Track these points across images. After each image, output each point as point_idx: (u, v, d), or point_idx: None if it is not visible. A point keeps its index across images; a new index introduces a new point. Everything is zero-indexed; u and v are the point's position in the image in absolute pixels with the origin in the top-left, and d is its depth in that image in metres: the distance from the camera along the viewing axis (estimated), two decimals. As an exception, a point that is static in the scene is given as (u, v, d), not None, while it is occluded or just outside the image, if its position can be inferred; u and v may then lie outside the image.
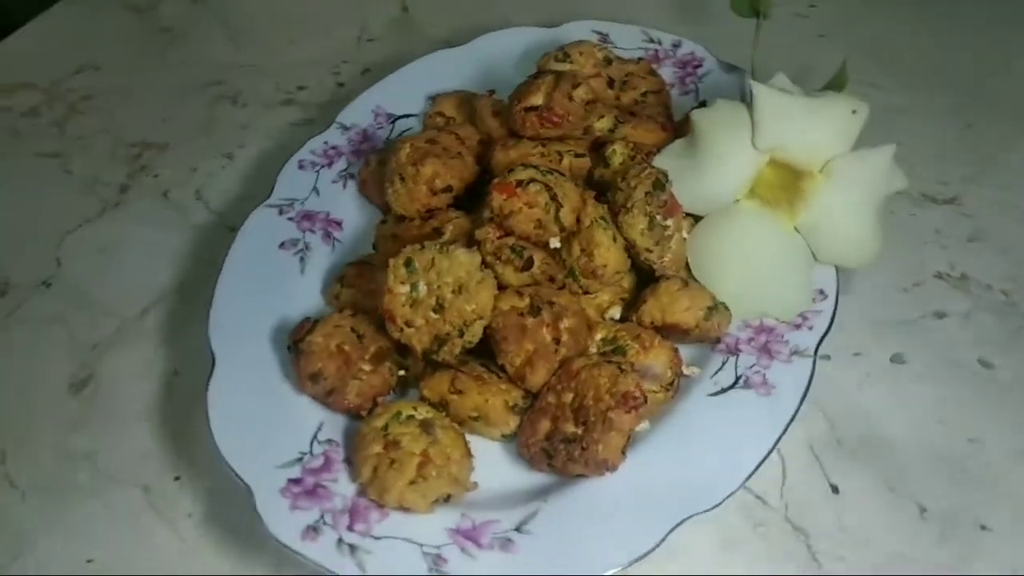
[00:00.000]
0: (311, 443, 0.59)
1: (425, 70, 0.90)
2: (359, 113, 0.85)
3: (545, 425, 0.59)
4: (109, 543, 0.60)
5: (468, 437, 0.61)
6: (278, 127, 0.93)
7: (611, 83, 0.83)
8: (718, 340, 0.66)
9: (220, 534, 0.60)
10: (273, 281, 0.69)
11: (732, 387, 0.63)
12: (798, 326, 0.66)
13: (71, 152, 0.90)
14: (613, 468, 0.56)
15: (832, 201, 0.67)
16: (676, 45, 0.93)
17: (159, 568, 0.58)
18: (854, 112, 0.67)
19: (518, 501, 0.57)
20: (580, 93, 0.71)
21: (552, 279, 0.64)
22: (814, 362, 0.63)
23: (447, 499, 0.56)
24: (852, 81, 0.75)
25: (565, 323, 0.62)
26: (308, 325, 0.62)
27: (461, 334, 0.59)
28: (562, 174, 0.65)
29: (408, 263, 0.60)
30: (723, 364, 0.64)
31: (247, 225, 0.72)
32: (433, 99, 0.84)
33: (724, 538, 0.60)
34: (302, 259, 0.72)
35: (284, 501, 0.55)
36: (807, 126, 0.66)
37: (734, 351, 0.65)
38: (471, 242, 0.62)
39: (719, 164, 0.68)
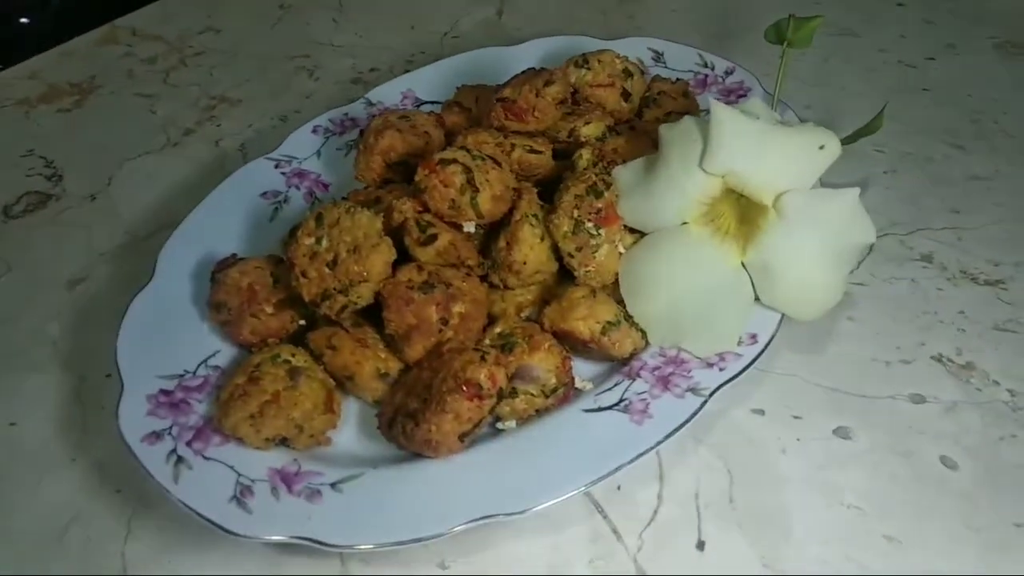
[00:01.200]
0: (198, 365, 0.63)
1: (468, 64, 0.93)
2: (388, 93, 0.89)
3: (399, 397, 0.59)
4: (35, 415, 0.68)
5: (352, 400, 0.63)
6: (336, 101, 0.99)
7: (626, 95, 0.81)
8: (624, 361, 0.63)
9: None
10: (240, 222, 0.75)
11: (608, 408, 0.59)
12: (711, 365, 0.61)
13: (163, 96, 1.03)
14: (438, 451, 0.55)
15: (781, 240, 0.61)
16: (728, 72, 0.89)
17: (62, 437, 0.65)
18: (821, 147, 0.60)
19: (358, 464, 0.58)
20: (551, 91, 0.70)
21: (462, 264, 0.64)
22: (702, 404, 0.58)
23: (283, 441, 0.58)
24: (936, 139, 0.68)
25: (457, 307, 0.61)
26: (232, 260, 0.67)
27: (345, 292, 0.61)
28: (498, 164, 0.65)
29: (319, 218, 0.63)
30: (614, 385, 0.61)
31: (240, 170, 0.79)
32: (458, 89, 0.87)
33: (557, 560, 0.56)
34: (276, 209, 0.77)
35: (146, 406, 0.59)
36: (763, 154, 0.61)
37: (633, 375, 0.61)
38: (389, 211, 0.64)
39: (669, 181, 0.64)
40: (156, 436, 0.58)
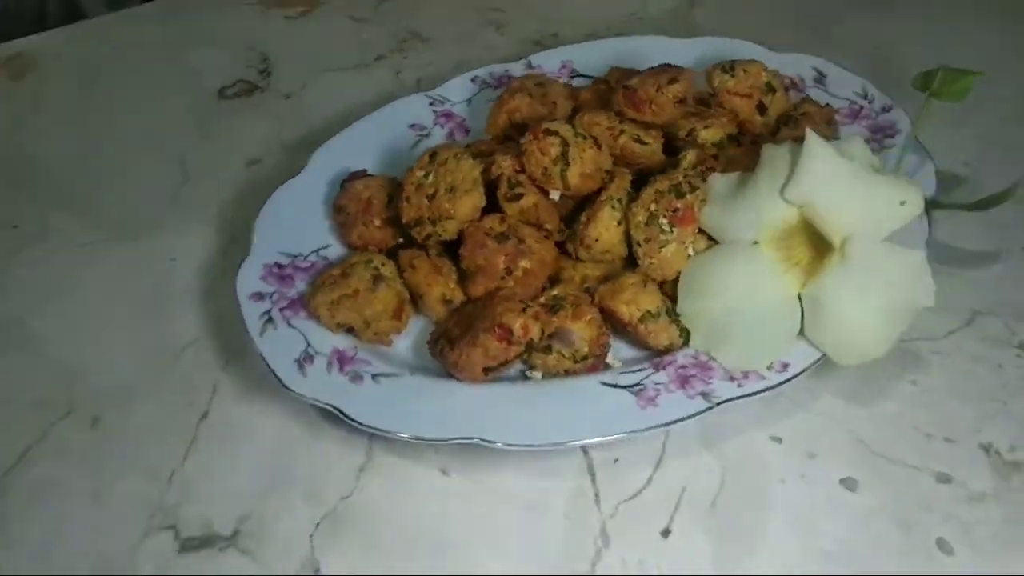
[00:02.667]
0: (311, 252, 0.76)
1: (629, 47, 0.96)
2: (549, 60, 0.96)
3: (450, 323, 0.68)
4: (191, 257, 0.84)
5: (421, 317, 0.73)
6: (511, 58, 1.07)
7: (762, 109, 0.83)
8: (659, 352, 0.67)
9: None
10: (384, 144, 0.86)
11: (623, 387, 0.64)
12: (733, 379, 0.64)
13: (371, 22, 1.16)
14: (463, 375, 0.64)
15: (838, 281, 0.62)
16: (885, 109, 0.87)
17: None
18: (903, 203, 0.60)
19: (401, 366, 0.68)
20: (672, 89, 0.74)
21: (541, 226, 0.71)
22: (707, 408, 0.62)
23: (351, 330, 0.69)
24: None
25: (524, 262, 0.69)
26: (361, 174, 0.78)
27: (434, 223, 0.70)
28: (598, 145, 0.71)
29: (432, 156, 0.72)
30: (639, 370, 0.66)
31: (400, 100, 0.90)
32: (610, 69, 0.92)
33: (538, 501, 0.63)
34: (418, 141, 0.87)
35: (261, 271, 0.73)
36: (843, 195, 0.62)
37: (660, 367, 0.66)
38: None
39: (753, 199, 0.67)
40: (260, 296, 0.71)
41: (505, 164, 0.70)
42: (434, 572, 0.60)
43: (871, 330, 0.62)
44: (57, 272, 0.84)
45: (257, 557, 0.61)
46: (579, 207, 0.73)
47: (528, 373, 0.67)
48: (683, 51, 0.96)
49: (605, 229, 0.70)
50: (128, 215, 0.89)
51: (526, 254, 0.69)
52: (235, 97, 1.05)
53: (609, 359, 0.68)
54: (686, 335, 0.68)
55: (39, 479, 0.67)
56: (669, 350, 0.67)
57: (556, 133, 0.69)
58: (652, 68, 0.79)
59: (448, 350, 0.64)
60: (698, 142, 0.78)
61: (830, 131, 0.83)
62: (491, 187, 0.71)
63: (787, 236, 0.66)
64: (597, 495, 0.64)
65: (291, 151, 0.96)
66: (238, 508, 0.64)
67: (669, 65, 0.78)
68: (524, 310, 0.64)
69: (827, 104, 0.86)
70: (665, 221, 0.68)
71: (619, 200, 0.71)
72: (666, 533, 0.61)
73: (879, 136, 0.85)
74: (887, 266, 0.61)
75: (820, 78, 0.92)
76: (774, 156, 0.66)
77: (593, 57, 0.97)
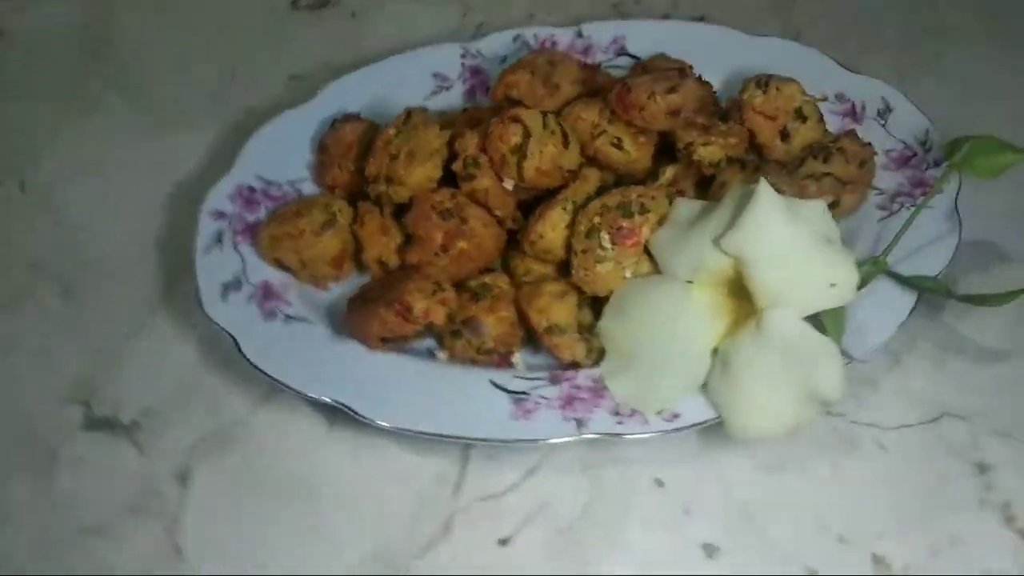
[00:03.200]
0: (286, 183, 0.78)
1: (693, 35, 0.89)
2: (601, 32, 0.90)
3: (374, 284, 0.69)
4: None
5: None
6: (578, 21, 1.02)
7: (784, 135, 0.75)
8: (565, 366, 0.65)
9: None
10: (398, 88, 0.85)
11: (507, 391, 0.63)
12: (618, 414, 0.62)
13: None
14: (358, 338, 0.65)
15: (749, 348, 0.58)
16: (938, 163, 0.77)
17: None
18: (833, 286, 0.54)
19: (318, 314, 0.70)
20: (668, 100, 0.69)
21: (492, 211, 0.69)
22: (570, 438, 0.60)
23: (288, 268, 0.72)
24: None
25: (461, 243, 0.68)
26: (353, 117, 0.79)
27: (388, 185, 0.70)
28: (566, 143, 0.67)
29: (407, 117, 0.72)
30: (534, 378, 0.64)
31: (430, 47, 0.89)
32: (655, 56, 0.86)
33: (396, 475, 0.64)
34: (435, 92, 0.86)
35: (234, 189, 0.76)
36: (778, 258, 0.56)
37: (556, 381, 0.64)
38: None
39: (698, 236, 0.62)
40: (221, 215, 0.75)
41: (470, 142, 0.69)
42: (283, 513, 0.63)
43: (770, 409, 0.57)
44: (91, 151, 0.91)
45: (143, 451, 0.67)
46: (540, 199, 0.71)
47: (436, 352, 0.68)
48: (746, 49, 0.88)
49: (551, 229, 0.67)
50: (173, 108, 0.95)
51: (465, 235, 0.68)
52: (307, 9, 1.07)
53: (515, 359, 0.67)
54: (598, 354, 0.66)
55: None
56: (576, 366, 0.65)
57: (520, 121, 0.67)
58: (665, 66, 0.73)
59: (354, 310, 0.66)
60: (693, 158, 0.73)
61: (857, 174, 0.75)
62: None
63: (721, 285, 0.61)
64: (459, 485, 0.64)
65: (334, 73, 0.98)
66: (146, 401, 0.70)
67: (680, 70, 0.72)
68: (434, 293, 0.64)
69: (868, 143, 0.77)
70: (607, 237, 0.65)
71: (574, 203, 0.68)
72: (504, 542, 0.62)
73: (917, 192, 0.76)
74: (800, 348, 0.55)
75: (885, 111, 0.82)
76: (735, 197, 0.61)
77: (651, 38, 0.90)
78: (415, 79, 0.87)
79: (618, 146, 0.70)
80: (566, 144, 0.68)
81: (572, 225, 0.67)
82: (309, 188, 0.79)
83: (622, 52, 0.90)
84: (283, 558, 0.61)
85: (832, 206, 0.74)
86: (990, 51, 0.98)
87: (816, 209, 0.58)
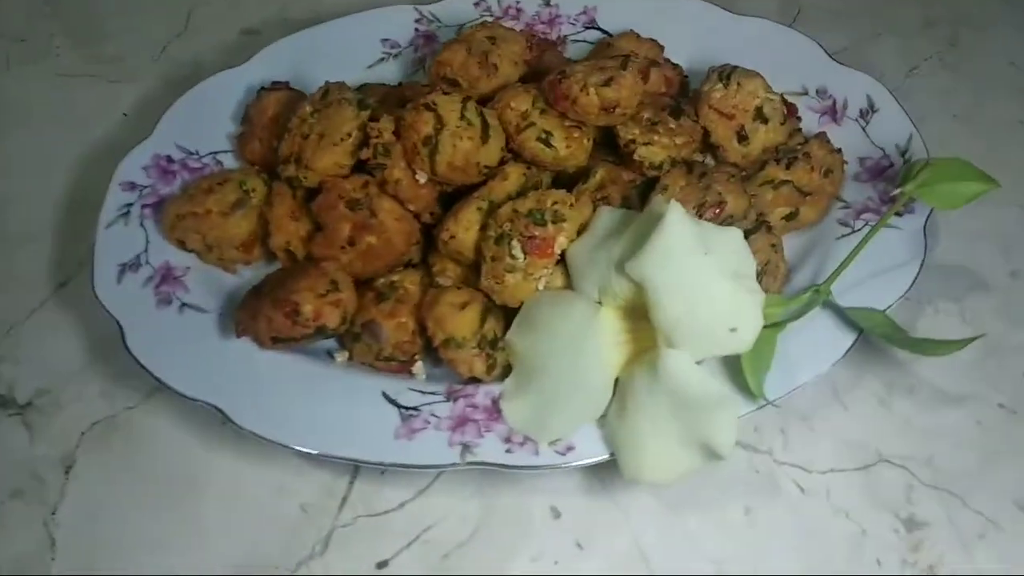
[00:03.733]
0: (208, 154, 0.74)
1: (678, 12, 0.82)
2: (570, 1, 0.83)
3: (274, 275, 0.65)
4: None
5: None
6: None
7: (741, 137, 0.68)
8: (465, 380, 0.61)
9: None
10: (345, 53, 0.79)
11: (398, 405, 0.59)
12: (509, 440, 0.57)
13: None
14: (249, 337, 0.61)
15: (643, 385, 0.52)
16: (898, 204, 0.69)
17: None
18: (733, 330, 0.48)
19: (219, 301, 0.66)
20: (604, 93, 0.62)
21: (405, 205, 0.64)
22: (452, 464, 0.56)
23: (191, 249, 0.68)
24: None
25: (370, 238, 0.63)
26: (281, 86, 0.74)
27: (297, 166, 0.65)
28: (485, 137, 0.61)
29: (325, 94, 0.66)
30: (430, 392, 0.60)
31: (386, 8, 0.82)
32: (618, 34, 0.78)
33: (282, 486, 0.61)
34: (381, 60, 0.80)
35: (150, 158, 0.72)
36: (679, 292, 0.50)
37: (454, 396, 0.60)
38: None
39: (607, 253, 0.56)
40: (132, 187, 0.71)
41: (384, 127, 0.63)
42: (161, 512, 0.61)
43: (660, 452, 0.52)
44: (27, 98, 0.87)
45: (34, 435, 0.65)
46: (462, 192, 0.65)
47: (335, 353, 0.64)
48: (727, 30, 0.80)
49: (464, 229, 0.62)
50: (119, 56, 0.91)
51: (374, 229, 0.63)
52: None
53: (415, 368, 0.62)
54: (503, 370, 0.61)
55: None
56: (473, 380, 0.61)
57: (435, 109, 0.61)
58: (608, 50, 0.66)
59: (246, 306, 0.62)
60: (633, 158, 0.66)
61: (819, 185, 0.68)
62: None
63: (629, 310, 0.55)
64: (344, 500, 0.61)
65: (290, 28, 0.92)
66: (42, 380, 0.67)
67: (627, 57, 0.64)
68: (327, 293, 0.60)
69: (838, 150, 0.69)
70: (517, 246, 0.59)
71: (491, 202, 0.62)
72: (383, 565, 0.58)
73: (884, 210, 0.68)
74: (693, 394, 0.50)
75: (868, 111, 0.74)
76: (651, 215, 0.54)
77: (624, 10, 0.83)
78: (362, 44, 0.81)
79: (545, 142, 0.63)
80: (485, 138, 0.62)
81: (484, 229, 0.62)
82: (232, 162, 0.74)
83: (591, 24, 0.83)
84: (153, 559, 0.59)
85: (788, 217, 0.68)
86: (1010, 42, 0.88)
87: (731, 240, 0.52)
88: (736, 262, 0.51)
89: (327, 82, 0.68)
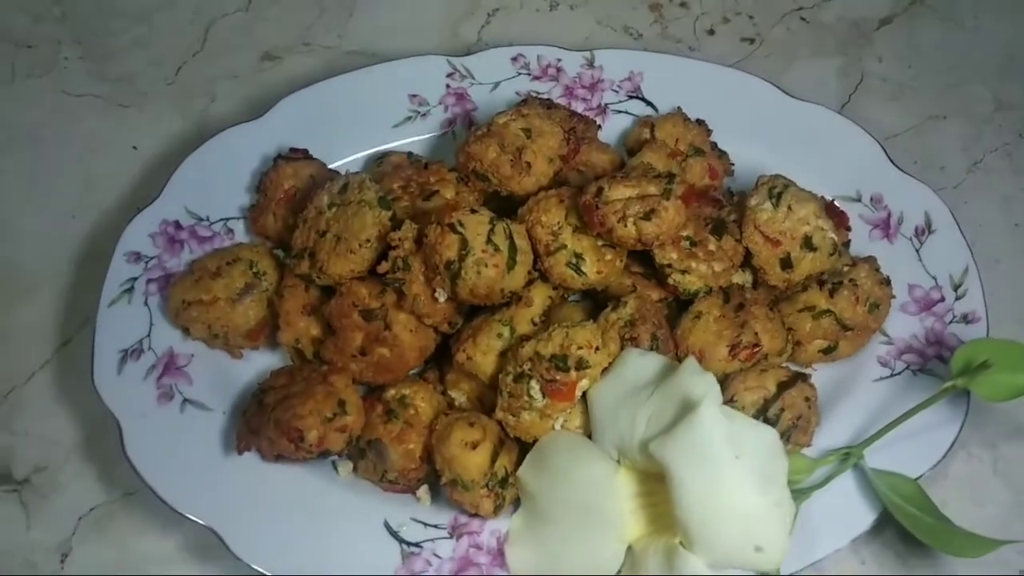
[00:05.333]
0: (218, 220, 0.70)
1: (724, 80, 0.76)
2: (615, 63, 0.76)
3: (280, 379, 0.62)
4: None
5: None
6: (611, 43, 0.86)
7: (786, 263, 0.63)
8: (472, 514, 0.59)
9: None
10: (372, 106, 0.74)
11: (400, 540, 0.58)
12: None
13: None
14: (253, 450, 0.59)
15: (650, 567, 0.50)
16: (968, 319, 0.65)
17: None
18: (759, 549, 0.45)
19: (224, 397, 0.64)
20: (645, 227, 0.57)
21: (420, 318, 0.60)
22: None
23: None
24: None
25: (381, 350, 0.60)
26: (300, 154, 0.69)
27: (312, 264, 0.61)
28: (514, 260, 0.57)
29: (344, 188, 0.62)
30: (433, 527, 0.58)
31: (417, 58, 0.77)
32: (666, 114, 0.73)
33: None
34: (408, 119, 0.75)
35: (157, 226, 0.68)
36: (700, 493, 0.47)
37: (458, 533, 0.58)
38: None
39: (630, 413, 0.53)
40: (137, 258, 0.67)
41: (405, 236, 0.59)
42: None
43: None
44: (38, 119, 0.82)
45: (30, 515, 0.63)
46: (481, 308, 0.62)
47: (339, 468, 0.61)
48: (779, 113, 0.75)
49: (482, 354, 0.59)
50: (130, 75, 0.85)
51: (387, 342, 0.60)
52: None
53: (420, 493, 0.60)
54: (512, 504, 0.59)
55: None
56: (479, 515, 0.58)
57: (460, 233, 0.56)
58: (640, 167, 0.61)
59: (249, 421, 0.59)
60: (669, 283, 0.62)
61: (869, 320, 0.64)
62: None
63: (651, 480, 0.52)
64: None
65: (313, 57, 0.86)
66: (41, 455, 0.65)
67: (668, 183, 0.59)
68: (333, 417, 0.57)
69: (887, 280, 0.65)
70: (536, 387, 0.56)
71: (511, 328, 0.59)
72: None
73: (930, 353, 0.64)
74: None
75: (924, 230, 0.69)
76: (684, 387, 0.51)
77: (672, 79, 0.77)
78: (388, 99, 0.75)
79: (576, 268, 0.59)
80: (512, 264, 0.58)
81: (504, 353, 0.58)
82: (242, 230, 0.70)
83: (635, 94, 0.77)
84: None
85: (826, 351, 0.64)
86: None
87: (766, 440, 0.48)
88: (767, 465, 0.48)
89: (347, 174, 0.63)
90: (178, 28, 0.88)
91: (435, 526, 0.58)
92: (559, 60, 0.77)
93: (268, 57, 0.87)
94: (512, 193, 0.64)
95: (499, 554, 0.57)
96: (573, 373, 0.56)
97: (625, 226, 0.58)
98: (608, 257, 0.60)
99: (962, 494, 0.64)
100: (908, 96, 0.84)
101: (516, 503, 0.59)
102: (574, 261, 0.59)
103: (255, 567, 0.56)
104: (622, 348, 0.58)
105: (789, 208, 0.63)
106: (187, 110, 0.83)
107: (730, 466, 0.47)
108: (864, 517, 0.57)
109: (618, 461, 0.54)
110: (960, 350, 0.56)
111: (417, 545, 0.57)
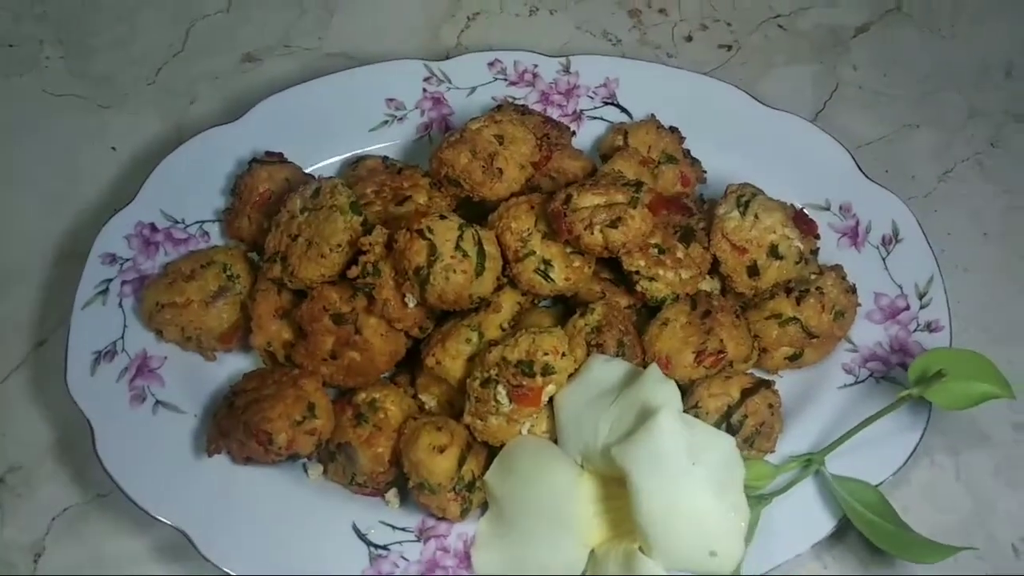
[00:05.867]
0: (193, 223, 0.70)
1: (701, 88, 0.77)
2: (591, 69, 0.77)
3: (252, 381, 0.62)
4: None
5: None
6: (581, 48, 0.86)
7: (752, 271, 0.64)
8: (439, 516, 0.59)
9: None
10: (347, 110, 0.75)
11: (368, 543, 0.58)
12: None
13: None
14: (219, 452, 0.60)
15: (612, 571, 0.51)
16: (932, 327, 0.66)
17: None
18: (712, 554, 0.46)
19: (196, 399, 0.64)
20: (609, 234, 0.58)
21: (390, 322, 0.61)
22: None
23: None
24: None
25: (352, 353, 0.61)
26: (275, 158, 0.70)
27: (283, 268, 0.62)
28: (482, 267, 0.58)
29: (316, 193, 0.63)
30: (402, 529, 0.59)
31: (392, 62, 0.77)
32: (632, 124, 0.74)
33: None
34: (386, 122, 0.75)
35: (133, 227, 0.68)
36: (658, 497, 0.48)
37: (425, 536, 0.59)
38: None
39: (593, 419, 0.54)
40: (112, 259, 0.67)
41: (376, 241, 0.59)
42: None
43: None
44: (18, 117, 0.82)
45: (4, 514, 0.64)
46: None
47: (309, 470, 0.62)
48: (753, 121, 0.75)
49: (451, 359, 0.60)
50: (110, 75, 0.86)
51: (358, 346, 0.60)
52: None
53: (388, 496, 0.61)
54: (480, 508, 0.59)
55: None
56: (447, 518, 0.59)
57: (429, 239, 0.57)
58: (607, 175, 0.62)
59: (220, 418, 0.60)
60: (637, 289, 0.63)
61: (834, 328, 0.64)
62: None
63: (614, 484, 0.53)
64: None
65: (293, 59, 0.87)
66: (18, 456, 0.66)
67: (635, 191, 0.60)
68: (302, 420, 0.58)
69: (853, 289, 0.66)
70: (503, 391, 0.57)
71: (480, 334, 0.59)
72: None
73: (893, 361, 0.65)
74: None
75: (891, 239, 0.70)
76: (647, 392, 0.52)
77: (647, 86, 0.77)
78: (365, 102, 0.76)
79: (544, 274, 0.60)
80: (480, 269, 0.58)
81: (473, 358, 0.59)
82: (218, 233, 0.70)
83: (610, 100, 0.77)
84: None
85: (791, 358, 0.65)
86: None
87: (722, 448, 0.49)
88: (724, 472, 0.49)
89: (320, 178, 0.64)
90: (159, 28, 0.89)
91: (403, 529, 0.59)
92: (535, 66, 0.78)
93: (249, 59, 0.87)
94: (484, 199, 0.64)
95: (465, 557, 0.58)
96: (539, 379, 0.56)
97: (592, 234, 0.58)
98: (576, 264, 0.61)
99: (924, 500, 0.65)
100: (883, 104, 0.85)
101: (483, 507, 0.60)
102: (543, 267, 0.60)
103: (224, 569, 0.56)
104: (588, 354, 0.59)
105: (756, 217, 0.64)
106: (167, 111, 0.83)
107: (687, 473, 0.48)
108: (824, 523, 0.58)
109: (582, 466, 0.55)
110: (917, 360, 0.57)
111: (385, 548, 0.58)
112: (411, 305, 0.60)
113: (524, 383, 0.56)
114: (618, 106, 0.77)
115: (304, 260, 0.61)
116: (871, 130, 0.83)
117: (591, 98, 0.77)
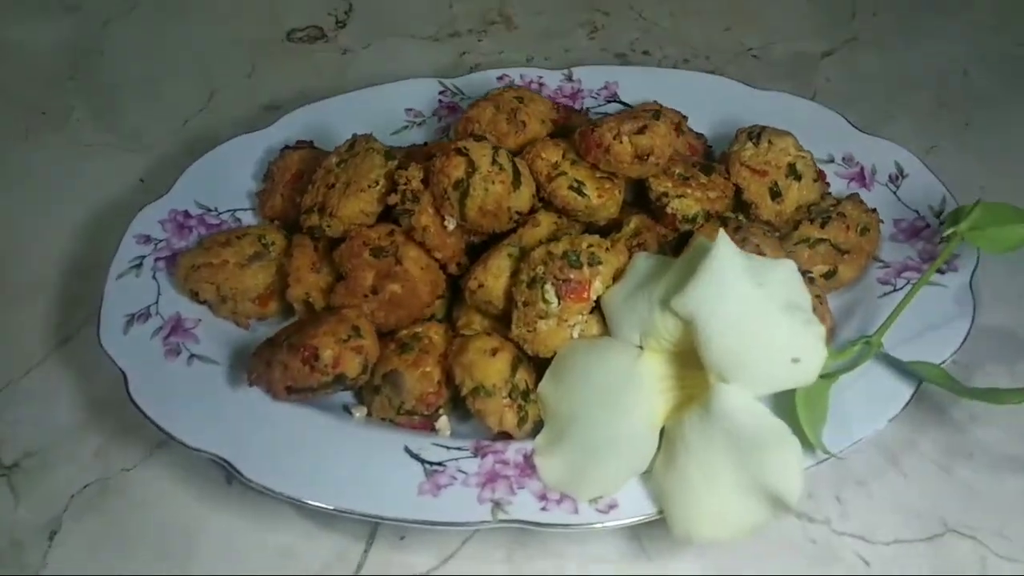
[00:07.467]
0: (226, 211, 0.72)
1: (692, 84, 0.83)
2: (592, 76, 0.83)
3: (291, 328, 0.61)
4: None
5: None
6: (588, 60, 0.96)
7: (775, 194, 0.67)
8: (495, 435, 0.56)
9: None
10: (373, 117, 0.78)
11: (422, 460, 0.54)
12: (544, 498, 0.52)
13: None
14: (263, 388, 0.57)
15: (696, 431, 0.48)
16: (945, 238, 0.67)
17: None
18: (795, 361, 0.44)
19: (230, 352, 0.63)
20: (638, 141, 0.61)
21: (431, 253, 0.61)
22: (484, 522, 0.51)
23: (205, 301, 0.65)
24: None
25: (393, 286, 0.60)
26: (304, 144, 0.73)
27: (322, 216, 0.63)
28: (518, 183, 0.60)
29: (352, 145, 0.65)
30: (456, 447, 0.55)
31: (411, 80, 0.83)
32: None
33: (291, 548, 0.56)
34: (405, 127, 0.80)
35: (167, 213, 0.70)
36: (732, 325, 0.47)
37: (481, 452, 0.55)
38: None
39: (650, 294, 0.53)
40: (147, 240, 0.68)
41: (413, 174, 0.61)
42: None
43: (717, 507, 0.47)
44: (47, 160, 0.86)
45: (19, 498, 0.59)
46: (489, 244, 0.63)
47: (352, 408, 0.60)
48: (749, 103, 0.81)
49: (493, 277, 0.59)
50: (139, 129, 0.91)
51: (399, 278, 0.60)
52: (300, 41, 1.03)
53: (439, 424, 0.58)
54: (534, 425, 0.56)
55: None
56: (508, 436, 0.56)
57: (466, 154, 0.59)
58: (641, 108, 0.66)
59: (259, 354, 0.58)
60: (667, 211, 0.64)
61: (859, 243, 0.66)
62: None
63: (675, 353, 0.52)
64: (359, 567, 0.55)
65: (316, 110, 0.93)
66: (31, 441, 0.62)
67: (656, 111, 0.64)
68: (348, 339, 0.56)
69: (873, 209, 0.68)
70: (551, 289, 0.56)
71: (522, 249, 0.60)
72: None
73: (927, 268, 0.66)
74: (751, 433, 0.45)
75: (898, 176, 0.73)
76: (696, 252, 0.52)
77: (646, 85, 0.84)
78: (385, 112, 0.81)
79: (578, 190, 0.62)
80: (517, 184, 0.60)
81: (516, 274, 0.59)
82: (251, 220, 0.72)
83: (613, 99, 0.84)
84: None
85: (827, 276, 0.66)
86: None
87: (784, 271, 0.49)
88: (790, 294, 0.48)
89: (354, 134, 0.67)
90: (185, 91, 0.96)
91: (457, 448, 0.56)
92: (540, 77, 0.85)
93: (270, 107, 0.93)
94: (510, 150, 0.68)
95: (527, 466, 0.54)
96: (586, 269, 0.56)
97: (620, 142, 0.61)
98: (607, 186, 0.63)
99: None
100: (858, 102, 0.92)
101: (537, 427, 0.57)
102: (576, 184, 0.62)
103: (271, 489, 0.52)
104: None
105: (770, 142, 0.68)
106: (192, 148, 0.87)
107: (754, 295, 0.47)
108: (899, 397, 0.56)
109: (640, 347, 0.54)
110: (948, 214, 0.57)
111: (440, 464, 0.54)
112: (451, 227, 0.61)
113: (572, 276, 0.56)
114: (621, 103, 0.83)
115: (343, 198, 0.62)
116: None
117: (595, 98, 0.83)
